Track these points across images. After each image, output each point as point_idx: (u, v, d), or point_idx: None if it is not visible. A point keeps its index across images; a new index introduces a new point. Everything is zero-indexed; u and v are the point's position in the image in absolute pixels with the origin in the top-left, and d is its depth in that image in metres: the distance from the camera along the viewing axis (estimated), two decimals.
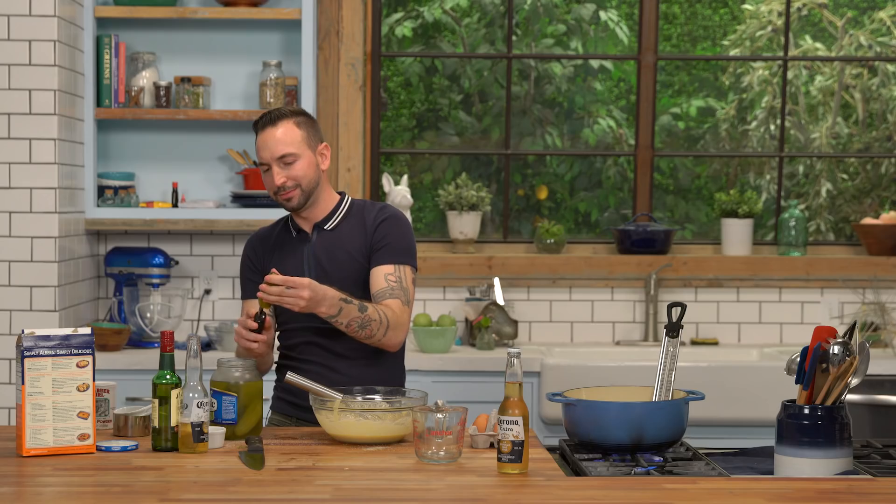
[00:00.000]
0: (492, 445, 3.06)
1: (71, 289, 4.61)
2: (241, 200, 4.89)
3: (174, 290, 4.92)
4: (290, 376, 3.19)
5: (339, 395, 3.15)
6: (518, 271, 5.09)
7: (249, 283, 3.51)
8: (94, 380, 3.00)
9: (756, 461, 3.05)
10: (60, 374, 2.95)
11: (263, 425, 3.26)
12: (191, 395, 2.96)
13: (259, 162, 3.46)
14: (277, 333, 3.54)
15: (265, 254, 3.52)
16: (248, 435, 3.12)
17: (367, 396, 3.23)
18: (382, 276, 3.45)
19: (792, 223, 5.23)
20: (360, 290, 3.44)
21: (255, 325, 3.26)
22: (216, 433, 3.05)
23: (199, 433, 2.97)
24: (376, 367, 3.47)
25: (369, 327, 3.33)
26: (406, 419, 3.08)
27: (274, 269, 3.28)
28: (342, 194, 3.57)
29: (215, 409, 3.13)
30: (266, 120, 3.45)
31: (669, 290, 5.13)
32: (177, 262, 4.98)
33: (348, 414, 3.06)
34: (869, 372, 2.93)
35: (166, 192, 4.99)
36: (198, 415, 2.96)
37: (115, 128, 4.97)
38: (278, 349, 3.57)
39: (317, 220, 3.52)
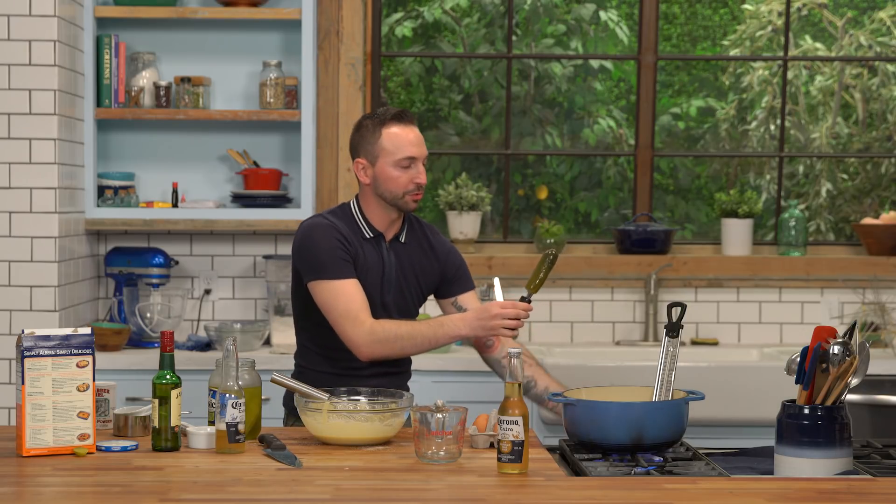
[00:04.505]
0: (492, 445, 3.07)
1: (71, 289, 4.62)
2: (241, 200, 4.89)
3: (174, 290, 4.92)
4: (276, 376, 3.19)
5: (325, 396, 3.15)
6: (518, 271, 5.09)
7: (345, 263, 3.41)
8: (94, 380, 3.00)
9: (756, 461, 3.05)
10: (60, 374, 2.95)
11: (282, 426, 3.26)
12: (226, 395, 2.96)
13: (403, 156, 3.44)
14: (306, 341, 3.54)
15: (352, 246, 3.46)
16: (246, 435, 3.12)
17: (352, 398, 3.22)
18: (478, 301, 3.67)
19: (792, 223, 5.23)
20: (417, 309, 3.62)
21: (529, 305, 3.39)
22: (210, 433, 3.04)
23: (234, 433, 2.97)
24: (399, 371, 3.57)
25: None
26: (394, 420, 3.08)
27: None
28: None
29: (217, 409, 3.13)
30: (408, 117, 3.48)
31: (669, 290, 5.13)
32: (177, 262, 4.98)
33: (336, 415, 3.06)
34: (869, 372, 2.93)
35: (166, 192, 4.99)
36: (233, 415, 2.96)
37: (115, 128, 4.98)
38: (300, 345, 3.56)
39: (396, 230, 3.56)
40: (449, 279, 3.64)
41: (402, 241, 3.56)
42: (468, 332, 3.40)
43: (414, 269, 3.56)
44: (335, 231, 3.44)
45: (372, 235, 3.50)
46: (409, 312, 3.59)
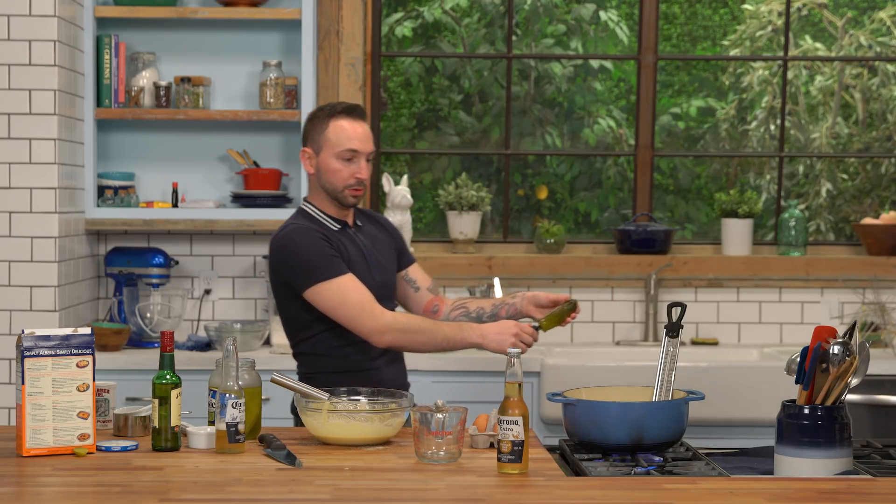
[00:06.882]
0: (492, 445, 3.07)
1: (71, 289, 4.62)
2: (241, 200, 4.89)
3: (174, 290, 4.92)
4: (276, 376, 3.19)
5: (324, 396, 3.15)
6: (518, 271, 5.09)
7: (336, 259, 3.43)
8: (94, 380, 3.00)
9: (756, 461, 3.05)
10: (60, 374, 2.95)
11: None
12: (226, 395, 2.96)
13: (345, 148, 3.47)
14: (313, 340, 3.55)
15: (333, 241, 3.48)
16: (246, 435, 3.11)
17: (352, 398, 3.22)
18: (423, 272, 3.74)
19: (792, 223, 5.23)
20: (395, 285, 3.67)
21: (536, 335, 3.43)
22: (210, 433, 3.04)
23: (234, 433, 2.97)
24: (400, 365, 3.61)
25: None
26: (394, 420, 3.08)
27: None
28: None
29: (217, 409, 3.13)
30: (358, 112, 3.51)
31: (669, 290, 5.13)
32: (177, 262, 4.98)
33: (336, 415, 3.06)
34: (869, 372, 2.93)
35: (166, 192, 4.99)
36: (233, 415, 2.96)
37: (115, 128, 4.98)
38: (302, 354, 3.56)
39: (351, 216, 3.60)
40: (400, 252, 3.71)
41: (360, 223, 3.62)
42: (483, 342, 3.41)
43: (381, 246, 3.63)
44: (313, 231, 3.46)
45: (339, 227, 3.52)
46: (393, 287, 3.65)
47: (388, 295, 3.60)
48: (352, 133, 3.48)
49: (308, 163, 3.53)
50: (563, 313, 3.47)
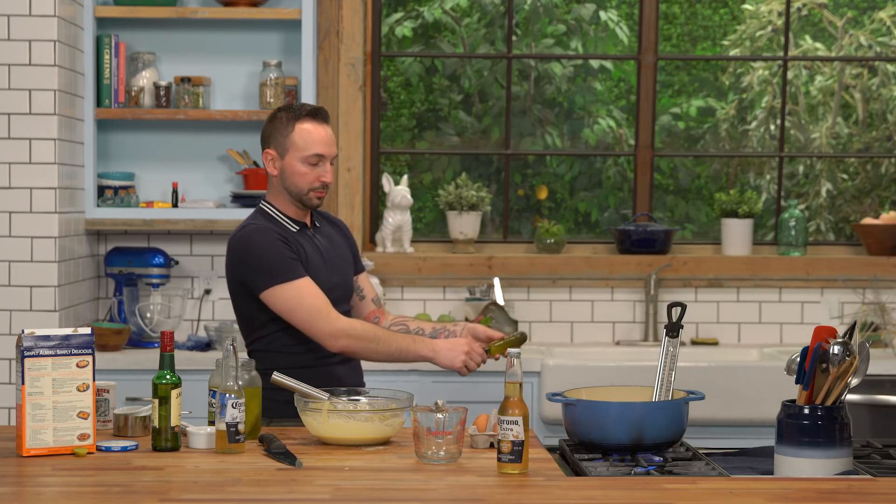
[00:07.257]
0: (492, 445, 3.07)
1: (71, 289, 4.61)
2: (241, 200, 4.89)
3: (174, 290, 4.92)
4: (277, 376, 3.19)
5: (325, 396, 3.15)
6: (518, 271, 5.09)
7: (295, 262, 3.43)
8: (94, 380, 3.00)
9: (756, 461, 3.05)
10: (60, 374, 2.96)
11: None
12: (226, 395, 2.95)
13: (312, 153, 3.47)
14: (267, 339, 3.54)
15: (291, 242, 3.49)
16: (246, 435, 3.11)
17: (353, 398, 3.23)
18: (371, 283, 3.74)
19: (792, 223, 5.23)
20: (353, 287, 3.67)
21: (486, 357, 3.50)
22: (210, 433, 3.04)
23: (234, 433, 2.97)
24: (354, 362, 3.61)
25: None
26: (394, 420, 3.09)
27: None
28: None
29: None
30: (322, 115, 3.52)
31: (669, 290, 5.13)
32: (177, 262, 4.98)
33: (336, 415, 3.06)
34: (869, 372, 2.93)
35: (166, 192, 4.99)
36: (233, 415, 2.96)
37: (115, 128, 4.98)
38: (257, 351, 3.55)
39: (310, 217, 3.61)
40: (354, 256, 3.71)
41: (318, 224, 3.63)
42: (434, 356, 3.46)
43: (339, 247, 3.64)
44: (272, 232, 3.47)
45: (297, 228, 3.53)
46: (350, 288, 3.66)
47: (345, 296, 3.61)
48: (318, 137, 3.48)
49: (271, 165, 3.52)
50: (513, 343, 3.49)
